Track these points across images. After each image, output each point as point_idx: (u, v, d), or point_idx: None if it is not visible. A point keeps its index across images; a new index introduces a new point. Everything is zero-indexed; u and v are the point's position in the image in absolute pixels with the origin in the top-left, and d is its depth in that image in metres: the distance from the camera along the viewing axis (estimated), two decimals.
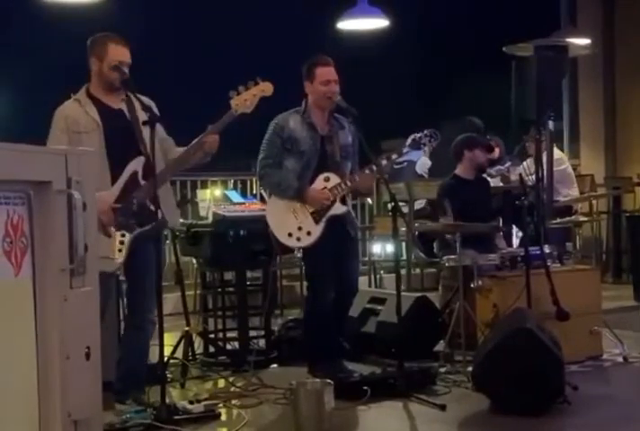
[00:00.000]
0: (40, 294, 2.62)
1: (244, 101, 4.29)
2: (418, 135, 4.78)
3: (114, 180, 4.15)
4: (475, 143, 5.89)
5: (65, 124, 4.21)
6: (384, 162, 4.75)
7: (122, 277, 4.58)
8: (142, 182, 4.17)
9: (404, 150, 4.81)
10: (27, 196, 2.59)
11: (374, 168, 4.71)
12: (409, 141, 4.79)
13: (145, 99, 4.31)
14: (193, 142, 4.27)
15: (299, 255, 5.03)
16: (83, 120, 4.21)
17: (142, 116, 4.26)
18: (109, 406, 4.07)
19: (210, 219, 5.36)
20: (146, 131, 4.22)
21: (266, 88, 4.35)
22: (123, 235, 4.14)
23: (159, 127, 4.34)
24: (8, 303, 2.55)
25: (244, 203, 5.66)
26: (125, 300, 4.60)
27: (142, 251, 4.13)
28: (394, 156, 4.80)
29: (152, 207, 4.13)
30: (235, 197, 5.99)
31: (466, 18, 13.65)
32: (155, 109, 4.34)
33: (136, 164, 4.16)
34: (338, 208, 4.77)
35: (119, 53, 4.25)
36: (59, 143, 4.10)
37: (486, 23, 12.90)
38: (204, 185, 8.10)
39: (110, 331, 4.58)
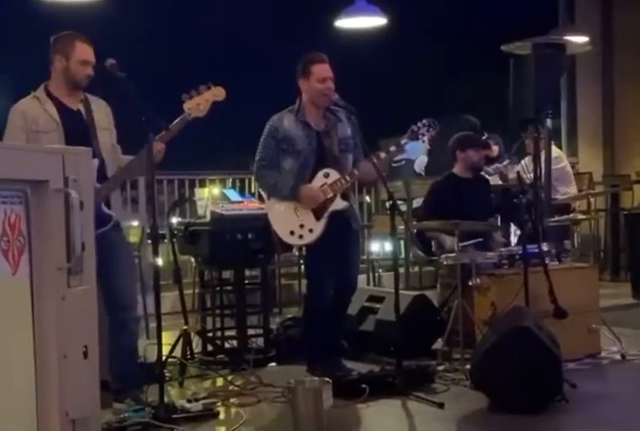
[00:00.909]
0: (38, 293, 2.62)
1: (197, 105, 4.29)
2: (416, 125, 4.77)
3: None
4: (467, 143, 5.86)
5: (23, 122, 4.18)
6: (382, 154, 4.74)
7: None
8: (96, 185, 4.17)
9: (403, 141, 4.81)
10: (24, 195, 2.60)
11: (374, 159, 4.69)
12: (408, 132, 4.78)
13: (102, 102, 4.33)
14: (140, 152, 4.23)
15: (297, 253, 5.03)
16: (42, 119, 4.19)
17: (99, 118, 4.28)
18: (107, 405, 4.07)
19: (208, 218, 5.36)
20: (102, 134, 4.24)
21: (218, 93, 4.36)
22: None
23: (112, 133, 4.36)
24: (5, 302, 2.55)
25: (242, 201, 5.66)
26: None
27: (103, 254, 4.10)
28: (392, 148, 4.79)
29: (106, 210, 4.16)
30: (233, 195, 5.98)
31: (464, 16, 13.66)
32: (110, 112, 4.37)
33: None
34: (339, 204, 4.77)
35: (85, 51, 4.25)
36: (17, 140, 4.09)
37: (484, 21, 12.91)
38: (202, 183, 8.10)
39: (104, 331, 4.57)
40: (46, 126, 4.18)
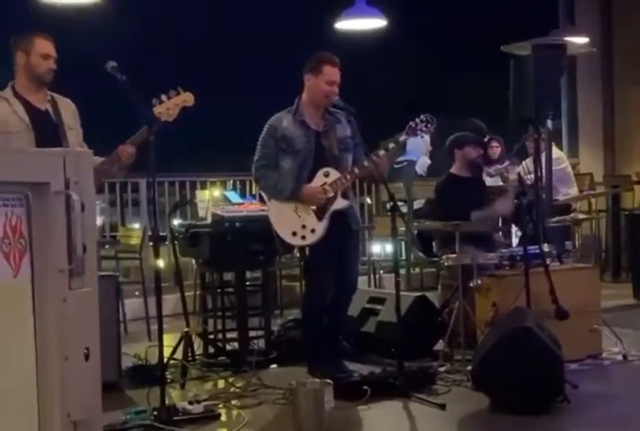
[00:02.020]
0: (39, 296, 2.62)
1: (167, 109, 4.31)
2: (414, 121, 4.76)
3: None
4: (463, 141, 5.88)
5: None
6: (381, 152, 4.74)
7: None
8: None
9: (402, 138, 4.80)
10: (25, 197, 2.60)
11: (374, 157, 4.69)
12: (406, 129, 4.78)
13: (68, 101, 4.34)
14: (113, 153, 4.24)
15: (298, 255, 5.03)
16: (11, 120, 4.20)
17: (66, 117, 4.29)
18: (112, 406, 4.08)
19: (209, 220, 5.36)
20: (70, 134, 4.25)
21: (188, 98, 4.38)
22: None
23: (79, 133, 4.36)
24: (7, 305, 2.55)
25: (242, 203, 5.66)
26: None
27: None
28: (391, 145, 4.78)
29: None
30: (233, 197, 5.99)
31: (464, 17, 13.66)
32: (76, 112, 4.37)
33: None
34: (339, 203, 4.77)
35: (45, 46, 4.28)
36: None
37: (484, 22, 12.91)
38: (203, 185, 8.10)
39: (110, 331, 4.58)
40: (15, 127, 4.19)
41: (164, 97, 4.32)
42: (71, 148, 4.23)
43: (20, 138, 4.13)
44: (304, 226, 4.72)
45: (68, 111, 4.37)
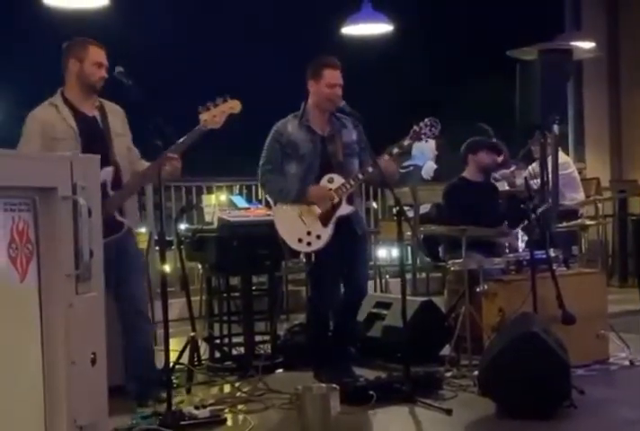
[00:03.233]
0: (46, 300, 2.63)
1: (213, 117, 4.34)
2: (418, 125, 4.76)
3: None
4: (478, 146, 5.92)
5: (40, 128, 4.21)
6: (386, 157, 4.73)
7: None
8: (110, 193, 4.18)
9: (406, 142, 4.79)
10: (32, 202, 2.61)
11: (372, 168, 4.69)
12: (410, 133, 4.77)
13: (116, 107, 4.35)
14: (158, 158, 4.25)
15: (305, 260, 5.02)
16: (60, 127, 4.22)
17: (114, 124, 4.30)
18: (127, 410, 4.09)
19: (216, 224, 5.36)
20: (117, 140, 4.25)
21: (235, 105, 4.41)
22: None
23: (128, 137, 4.38)
24: (14, 309, 2.55)
25: (249, 208, 5.66)
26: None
27: (115, 261, 4.12)
28: (395, 150, 4.77)
29: (118, 217, 4.18)
30: (240, 202, 5.99)
31: (470, 22, 13.66)
32: (124, 117, 4.41)
33: (105, 174, 4.15)
34: (344, 209, 4.77)
35: (99, 54, 4.31)
36: (34, 147, 4.12)
37: (490, 27, 12.91)
38: (209, 190, 8.11)
39: (116, 335, 4.58)
40: (63, 133, 4.21)
41: (210, 104, 4.35)
42: (118, 155, 4.25)
43: (66, 145, 4.14)
44: (309, 233, 4.72)
45: (116, 117, 4.38)
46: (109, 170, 4.19)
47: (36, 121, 4.24)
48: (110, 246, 4.10)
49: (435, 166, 8.71)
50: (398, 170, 5.73)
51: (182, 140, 4.29)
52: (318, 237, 4.71)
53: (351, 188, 4.75)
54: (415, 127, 4.75)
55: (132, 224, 4.39)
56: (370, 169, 4.71)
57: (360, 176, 4.75)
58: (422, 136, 4.77)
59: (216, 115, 4.34)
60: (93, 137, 4.23)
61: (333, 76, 4.77)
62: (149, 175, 4.31)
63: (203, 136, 4.35)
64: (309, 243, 4.72)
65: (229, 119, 4.40)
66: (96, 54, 4.29)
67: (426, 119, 4.76)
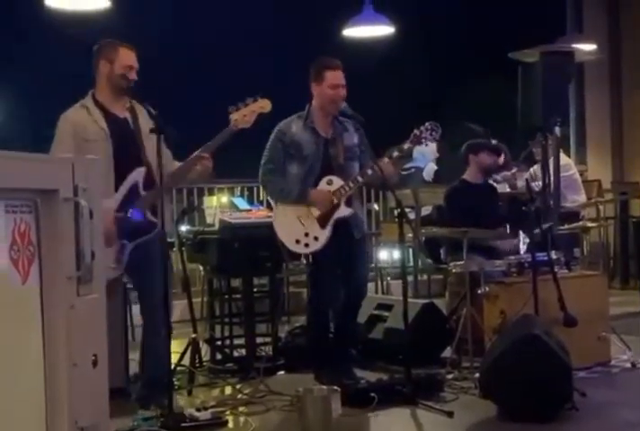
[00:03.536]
0: (47, 302, 2.62)
1: (244, 116, 4.37)
2: (418, 129, 4.76)
3: (116, 189, 4.18)
4: (479, 147, 5.94)
5: (73, 130, 4.22)
6: (386, 160, 4.73)
7: (130, 285, 4.60)
8: (142, 193, 4.19)
9: (406, 146, 4.79)
10: (34, 204, 2.60)
11: (375, 167, 4.70)
12: (410, 137, 4.77)
13: (149, 107, 4.34)
14: (189, 158, 4.28)
15: (305, 261, 5.03)
16: (91, 129, 4.23)
17: (145, 125, 4.29)
18: (129, 411, 4.09)
19: (217, 226, 5.37)
20: (148, 141, 4.24)
21: (265, 105, 4.44)
22: (123, 244, 4.15)
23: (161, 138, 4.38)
24: (15, 311, 2.55)
25: (250, 210, 5.67)
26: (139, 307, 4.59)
27: (145, 260, 4.13)
28: (395, 153, 4.77)
29: (151, 217, 4.17)
30: (241, 203, 6.00)
31: (472, 24, 13.66)
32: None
33: (137, 175, 4.18)
34: (343, 211, 4.77)
35: (130, 57, 4.31)
36: (66, 148, 4.11)
37: (492, 29, 12.91)
38: (211, 192, 8.12)
39: (118, 337, 4.59)
40: (94, 135, 4.22)
41: (240, 104, 4.38)
42: (150, 156, 4.26)
43: (97, 147, 4.14)
44: (307, 234, 4.73)
45: (148, 118, 4.38)
46: (141, 170, 4.20)
47: (68, 123, 4.24)
48: (141, 246, 4.12)
49: (436, 167, 8.71)
50: (399, 172, 5.74)
51: (212, 140, 4.31)
52: (316, 239, 4.72)
53: (349, 190, 4.75)
54: (416, 131, 4.76)
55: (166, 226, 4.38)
56: (370, 171, 4.71)
57: (360, 178, 4.76)
58: (423, 140, 4.78)
59: (246, 114, 4.37)
60: (125, 139, 4.23)
61: (334, 77, 4.77)
62: (180, 175, 4.33)
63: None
64: (307, 245, 4.73)
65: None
66: (126, 56, 4.29)
67: (427, 123, 4.76)
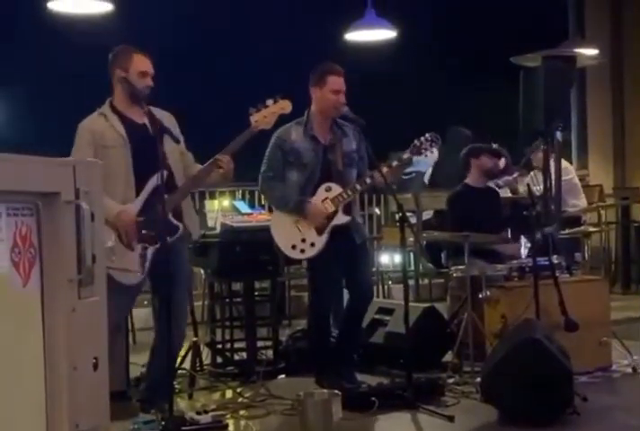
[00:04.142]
0: (48, 305, 2.62)
1: (264, 117, 4.39)
2: (419, 140, 4.77)
3: (137, 193, 4.19)
4: (479, 150, 5.95)
5: (91, 137, 4.23)
6: (385, 169, 4.74)
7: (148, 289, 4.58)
8: (164, 196, 4.19)
9: (405, 156, 4.81)
10: (35, 207, 2.61)
11: (375, 176, 4.71)
12: (410, 147, 4.79)
13: (165, 113, 4.36)
14: (210, 161, 4.31)
15: (306, 265, 5.03)
16: (109, 135, 4.25)
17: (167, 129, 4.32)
18: (130, 414, 4.09)
19: (218, 229, 5.37)
20: (167, 145, 4.25)
21: (285, 106, 4.48)
22: (145, 248, 4.16)
23: (181, 142, 4.39)
24: (16, 314, 2.55)
25: (251, 213, 5.66)
26: (152, 312, 4.57)
27: (167, 264, 4.12)
28: (394, 163, 4.79)
29: (173, 221, 4.18)
30: (242, 207, 5.99)
31: (474, 29, 13.66)
32: (175, 122, 4.41)
33: (158, 179, 4.18)
34: (340, 219, 4.77)
35: (144, 63, 4.32)
36: (85, 156, 4.11)
37: (494, 34, 12.91)
38: (212, 195, 8.11)
39: (119, 340, 4.59)
40: (113, 141, 4.23)
41: (260, 105, 4.40)
42: (171, 159, 4.27)
43: (116, 153, 4.17)
44: (303, 240, 4.73)
45: (166, 123, 4.38)
46: (162, 174, 4.20)
47: (86, 131, 4.26)
48: (161, 250, 4.11)
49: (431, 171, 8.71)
50: (398, 179, 5.74)
51: (233, 142, 4.33)
52: (312, 245, 4.72)
53: (348, 198, 4.76)
54: (416, 142, 4.77)
55: (191, 229, 4.38)
56: (368, 180, 4.73)
57: (358, 187, 4.77)
58: (423, 151, 4.79)
59: (267, 116, 4.39)
60: (144, 145, 4.22)
61: (336, 83, 4.78)
62: (201, 178, 4.34)
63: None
64: (302, 250, 4.74)
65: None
66: (141, 63, 4.29)
67: (427, 134, 4.78)
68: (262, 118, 4.37)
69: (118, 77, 4.31)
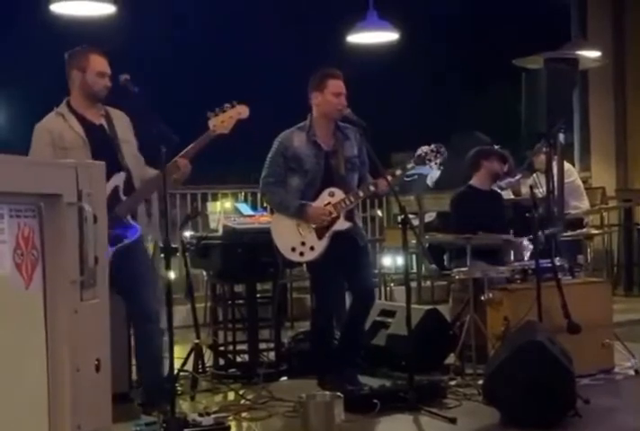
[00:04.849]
0: (51, 307, 2.63)
1: (222, 122, 4.37)
2: (424, 150, 4.78)
3: None
4: (490, 152, 5.97)
5: (50, 138, 4.21)
6: (389, 177, 4.74)
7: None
8: (123, 198, 4.20)
9: (409, 166, 4.82)
10: (38, 208, 2.61)
11: (378, 184, 4.71)
12: (415, 157, 4.80)
13: (121, 114, 4.37)
14: (168, 164, 4.24)
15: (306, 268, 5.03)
16: (68, 136, 4.23)
17: (120, 130, 4.33)
18: (132, 416, 4.10)
19: (221, 232, 5.37)
20: (125, 146, 4.27)
21: (242, 110, 4.43)
22: None
23: (133, 144, 4.39)
24: (19, 316, 2.56)
25: (254, 215, 5.66)
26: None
27: (128, 265, 4.12)
28: (398, 172, 4.80)
29: (132, 222, 4.19)
30: (245, 209, 5.99)
31: (476, 31, 13.68)
32: (130, 123, 4.42)
33: (117, 180, 4.18)
34: (341, 225, 4.77)
35: (101, 64, 4.31)
36: (44, 157, 4.11)
37: (496, 36, 12.92)
38: (214, 197, 8.12)
39: (121, 342, 4.59)
40: (72, 142, 4.22)
41: (218, 110, 4.38)
42: (128, 161, 4.27)
43: (75, 154, 4.14)
44: (303, 243, 4.74)
45: (122, 124, 4.39)
46: (121, 175, 4.21)
47: (44, 132, 4.24)
48: (121, 251, 4.12)
49: (438, 172, 8.71)
50: (401, 180, 5.75)
51: (190, 146, 4.31)
52: (312, 248, 4.73)
53: (350, 204, 4.76)
54: (420, 152, 4.78)
55: (151, 232, 4.40)
56: (372, 187, 4.74)
57: (361, 194, 4.77)
58: (427, 162, 4.79)
59: (224, 120, 4.36)
60: (102, 145, 4.23)
61: (336, 85, 4.80)
62: (157, 181, 4.32)
63: (211, 142, 4.37)
64: (302, 254, 4.74)
65: (237, 125, 4.42)
66: (98, 63, 4.29)
67: (433, 145, 4.78)
68: (219, 122, 4.35)
69: (75, 78, 4.30)
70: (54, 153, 4.17)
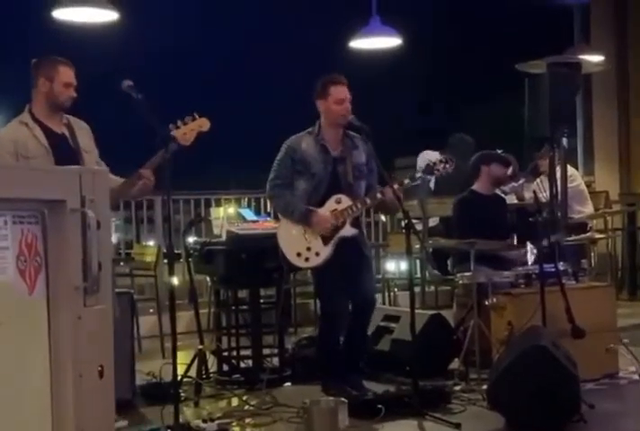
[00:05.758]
0: (54, 313, 2.62)
1: (184, 134, 4.36)
2: (432, 160, 4.81)
3: None
4: (490, 157, 5.96)
5: (13, 147, 4.21)
6: (396, 186, 4.74)
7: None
8: None
9: (418, 175, 4.84)
10: (41, 215, 2.61)
11: (385, 192, 4.72)
12: (423, 167, 4.83)
13: (83, 123, 4.38)
14: (132, 175, 4.28)
15: (311, 273, 5.04)
16: (32, 145, 4.23)
17: (82, 140, 4.34)
18: (135, 421, 4.09)
19: (224, 237, 5.37)
20: (86, 156, 4.29)
21: (203, 123, 4.43)
22: None
23: (95, 154, 4.40)
24: (22, 322, 2.56)
25: (257, 221, 5.66)
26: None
27: None
28: (406, 181, 4.81)
29: None
30: (248, 215, 5.99)
31: (479, 36, 13.69)
32: (90, 133, 4.42)
33: None
34: (347, 231, 4.78)
35: (69, 75, 4.33)
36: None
37: (499, 41, 12.94)
38: (218, 203, 8.11)
39: (124, 348, 4.59)
40: (35, 152, 4.22)
41: (180, 122, 4.38)
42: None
43: (39, 163, 4.15)
44: (309, 249, 4.75)
45: (84, 133, 4.42)
46: None
47: (7, 141, 4.23)
48: None
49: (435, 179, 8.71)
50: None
51: (154, 157, 4.30)
52: (317, 254, 4.74)
53: (357, 211, 4.78)
54: (429, 163, 4.81)
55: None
56: (379, 195, 4.74)
57: (368, 201, 4.78)
58: (436, 172, 4.82)
59: (186, 133, 4.37)
60: (65, 155, 4.24)
61: (339, 92, 4.81)
62: (122, 191, 4.34)
63: (176, 154, 4.35)
64: (307, 259, 4.75)
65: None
66: (65, 74, 4.30)
67: (442, 156, 4.81)
68: (181, 134, 4.35)
69: (41, 87, 4.30)
70: (17, 163, 4.13)
